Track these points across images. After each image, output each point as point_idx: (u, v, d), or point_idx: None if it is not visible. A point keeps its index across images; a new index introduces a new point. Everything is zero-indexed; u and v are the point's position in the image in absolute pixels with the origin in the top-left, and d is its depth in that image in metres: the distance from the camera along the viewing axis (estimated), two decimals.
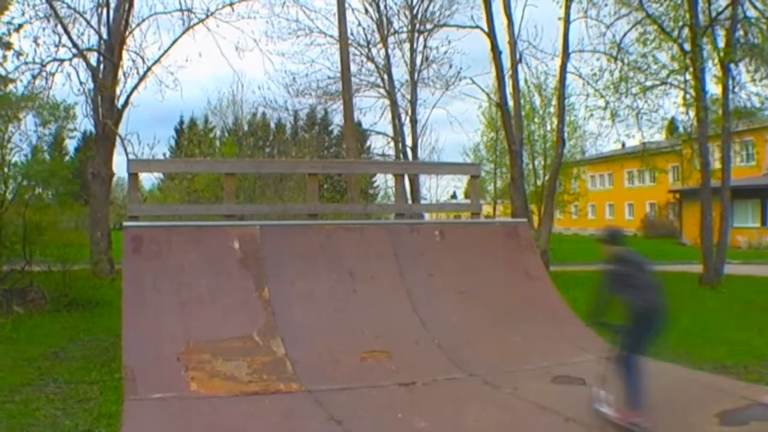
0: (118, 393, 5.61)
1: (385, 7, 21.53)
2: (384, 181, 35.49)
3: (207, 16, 16.66)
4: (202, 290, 6.81)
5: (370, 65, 22.17)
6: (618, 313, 4.77)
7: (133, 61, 16.33)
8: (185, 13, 16.52)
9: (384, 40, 21.72)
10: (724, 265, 14.65)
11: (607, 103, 15.85)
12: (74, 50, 15.43)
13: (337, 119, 29.38)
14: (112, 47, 15.69)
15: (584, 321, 6.61)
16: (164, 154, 34.52)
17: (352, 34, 19.92)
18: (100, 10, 15.74)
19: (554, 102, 20.55)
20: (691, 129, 16.03)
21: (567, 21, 15.57)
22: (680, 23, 14.40)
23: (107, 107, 15.72)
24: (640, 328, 4.68)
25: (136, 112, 18.54)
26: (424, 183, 27.20)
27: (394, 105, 22.38)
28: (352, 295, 7.28)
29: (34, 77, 15.07)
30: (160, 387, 5.59)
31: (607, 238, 5.09)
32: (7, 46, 13.99)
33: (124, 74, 16.12)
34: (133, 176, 8.64)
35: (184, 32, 16.61)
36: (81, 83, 15.65)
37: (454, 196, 46.65)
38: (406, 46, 22.40)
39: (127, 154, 15.74)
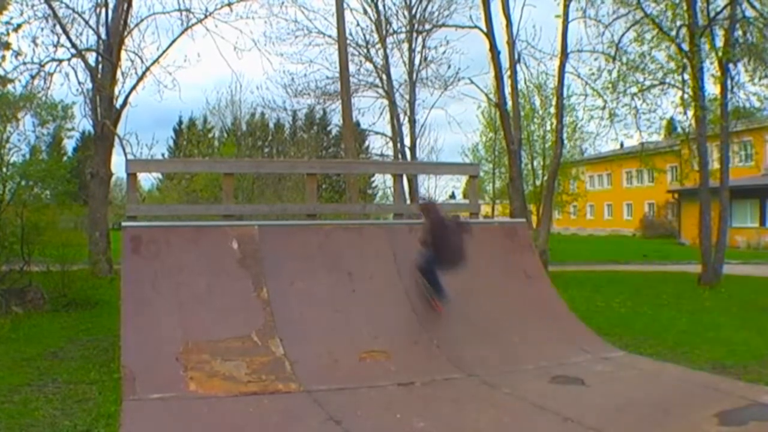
0: (117, 393, 5.60)
1: (384, 7, 21.55)
2: (383, 181, 35.45)
3: (205, 17, 16.68)
4: (201, 290, 6.81)
5: (369, 65, 22.19)
6: None
7: (132, 61, 16.36)
8: (184, 13, 16.54)
9: (382, 40, 21.72)
10: (723, 265, 14.65)
11: (606, 102, 15.87)
12: (73, 50, 15.43)
13: (336, 119, 29.35)
14: (111, 47, 15.68)
15: None
16: (163, 155, 34.53)
17: (350, 34, 19.95)
18: (98, 10, 15.75)
19: (554, 102, 20.55)
20: (689, 129, 16.03)
21: (565, 20, 15.58)
22: (679, 23, 14.41)
23: (106, 107, 15.71)
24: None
25: (134, 112, 18.50)
26: (423, 183, 27.12)
27: (392, 105, 22.36)
28: (351, 295, 7.28)
29: (32, 77, 15.05)
30: (159, 387, 5.59)
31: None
32: (6, 46, 14.00)
33: (122, 74, 16.14)
34: (131, 176, 8.62)
35: (182, 32, 16.63)
36: (79, 83, 15.68)
37: (452, 196, 46.67)
38: (405, 46, 22.40)
39: (125, 154, 15.76)
